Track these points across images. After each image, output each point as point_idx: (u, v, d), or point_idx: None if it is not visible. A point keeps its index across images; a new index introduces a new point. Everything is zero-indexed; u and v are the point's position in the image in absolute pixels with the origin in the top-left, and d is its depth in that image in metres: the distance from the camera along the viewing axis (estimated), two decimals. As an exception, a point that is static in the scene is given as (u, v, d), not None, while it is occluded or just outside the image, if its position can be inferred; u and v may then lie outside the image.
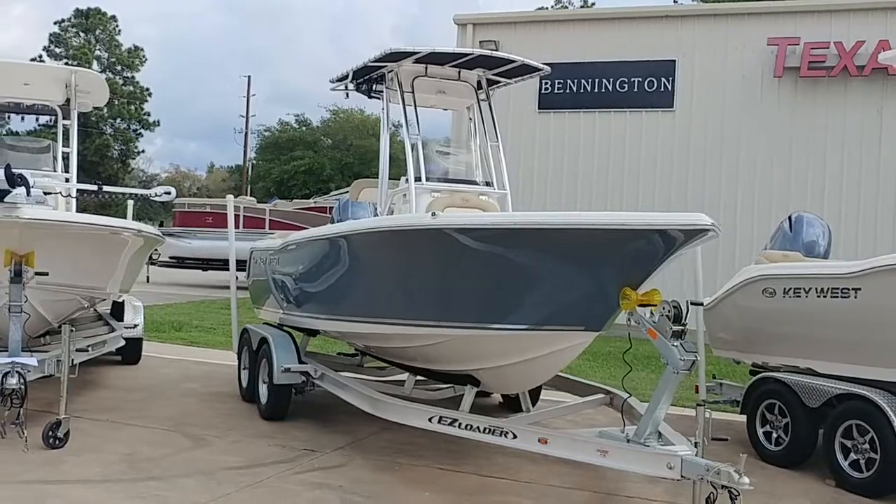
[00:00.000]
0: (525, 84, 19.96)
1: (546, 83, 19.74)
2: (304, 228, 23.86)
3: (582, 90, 19.65)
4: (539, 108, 19.99)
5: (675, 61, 19.06)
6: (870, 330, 7.12)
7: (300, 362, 8.58)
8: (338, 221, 10.50)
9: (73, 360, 7.38)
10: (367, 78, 8.93)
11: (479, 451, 7.58)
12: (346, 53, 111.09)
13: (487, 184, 8.59)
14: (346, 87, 9.47)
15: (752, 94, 18.68)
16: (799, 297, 7.72)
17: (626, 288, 5.74)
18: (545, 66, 8.66)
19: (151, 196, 9.08)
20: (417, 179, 8.09)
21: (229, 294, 11.16)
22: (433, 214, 6.23)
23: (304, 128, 60.81)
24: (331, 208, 25.13)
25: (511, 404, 9.06)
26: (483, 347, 6.69)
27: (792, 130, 18.33)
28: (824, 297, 7.46)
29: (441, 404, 7.82)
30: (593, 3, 54.41)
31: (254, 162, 61.54)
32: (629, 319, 5.87)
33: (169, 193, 9.12)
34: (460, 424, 6.48)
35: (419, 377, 8.42)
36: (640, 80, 19.25)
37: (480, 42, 20.08)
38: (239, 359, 9.92)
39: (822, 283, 7.50)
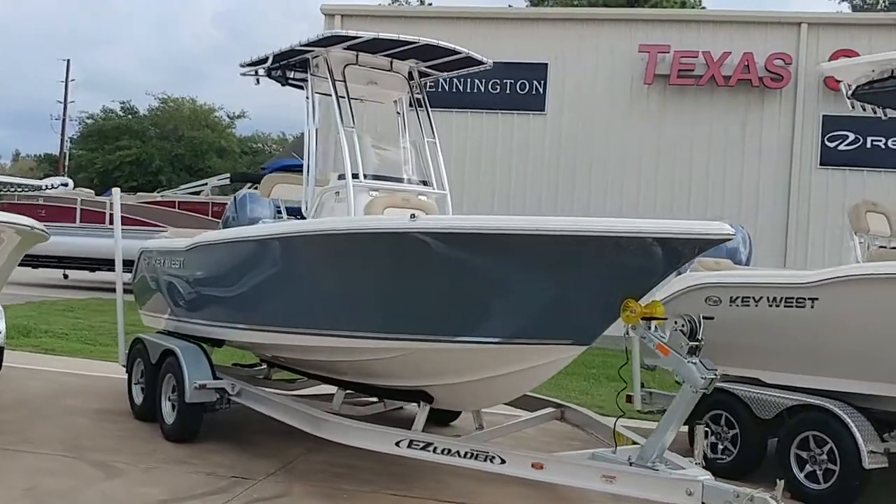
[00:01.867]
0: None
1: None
2: (150, 224, 22.36)
3: (454, 89, 19.27)
4: (408, 107, 19.43)
5: (546, 64, 19.04)
6: (827, 340, 7.06)
7: (215, 377, 7.68)
8: (233, 219, 9.64)
9: None
10: (287, 63, 8.14)
11: (425, 472, 6.99)
12: (171, 41, 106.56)
13: (424, 183, 7.99)
14: (257, 73, 8.66)
15: (622, 100, 18.92)
16: (748, 306, 7.59)
17: (628, 300, 5.32)
18: (488, 60, 8.15)
19: (45, 187, 7.82)
20: (355, 176, 7.39)
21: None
22: (412, 216, 5.60)
23: (130, 116, 57.49)
24: (181, 202, 23.68)
25: (437, 418, 8.46)
26: (447, 362, 6.12)
27: (660, 137, 18.70)
28: (777, 306, 7.36)
29: (371, 420, 7.21)
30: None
31: (70, 151, 57.61)
32: (627, 332, 5.47)
33: (66, 185, 7.90)
34: (436, 449, 5.85)
35: (348, 391, 7.71)
36: (512, 82, 19.10)
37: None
38: (129, 372, 8.83)
39: (774, 292, 7.39)
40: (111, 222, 23.58)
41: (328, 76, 7.72)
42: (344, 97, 7.69)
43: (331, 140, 8.24)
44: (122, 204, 23.73)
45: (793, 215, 18.21)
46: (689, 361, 5.22)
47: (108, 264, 24.22)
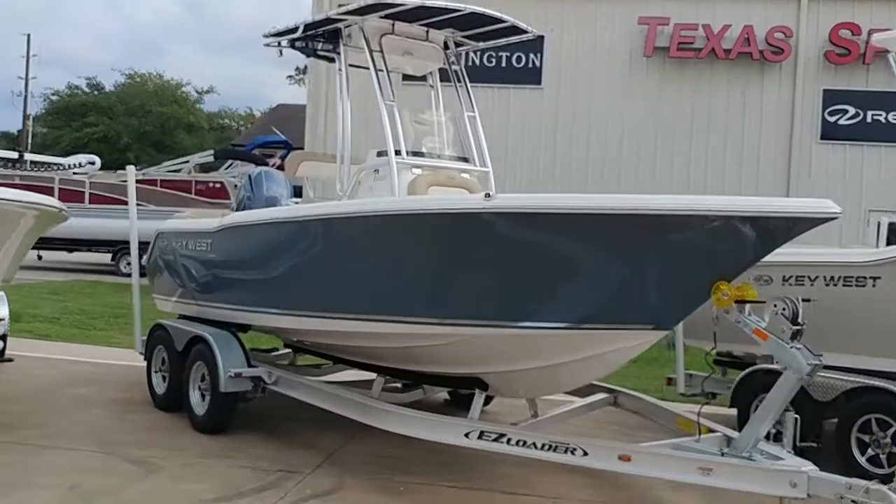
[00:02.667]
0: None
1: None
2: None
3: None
4: (403, 81, 18.97)
5: (543, 37, 18.63)
6: (890, 320, 6.83)
7: (249, 365, 7.29)
8: (248, 199, 9.25)
9: None
10: (317, 34, 7.70)
11: (475, 461, 6.69)
12: (128, 16, 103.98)
13: (465, 159, 7.61)
14: (280, 45, 8.22)
15: (621, 73, 18.63)
16: (802, 285, 7.34)
17: (720, 282, 5.02)
18: (532, 30, 7.77)
19: (69, 167, 7.30)
20: (397, 153, 6.99)
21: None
22: (487, 196, 5.23)
23: (96, 92, 56.15)
24: (163, 181, 23.04)
25: (465, 402, 8.11)
26: (508, 348, 5.78)
27: (659, 110, 18.44)
28: (835, 285, 7.12)
29: (413, 407, 6.89)
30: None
31: (32, 128, 56.10)
32: (715, 317, 5.17)
33: (93, 164, 7.39)
34: (509, 440, 5.52)
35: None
36: (508, 55, 18.71)
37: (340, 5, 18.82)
38: (149, 361, 8.40)
39: (832, 271, 7.15)
40: (91, 201, 23.08)
41: (365, 47, 7.29)
42: (382, 69, 7.27)
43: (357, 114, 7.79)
44: (101, 182, 22.99)
45: (793, 190, 18.04)
46: (792, 347, 4.93)
47: (86, 245, 23.61)
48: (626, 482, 6.39)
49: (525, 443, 5.46)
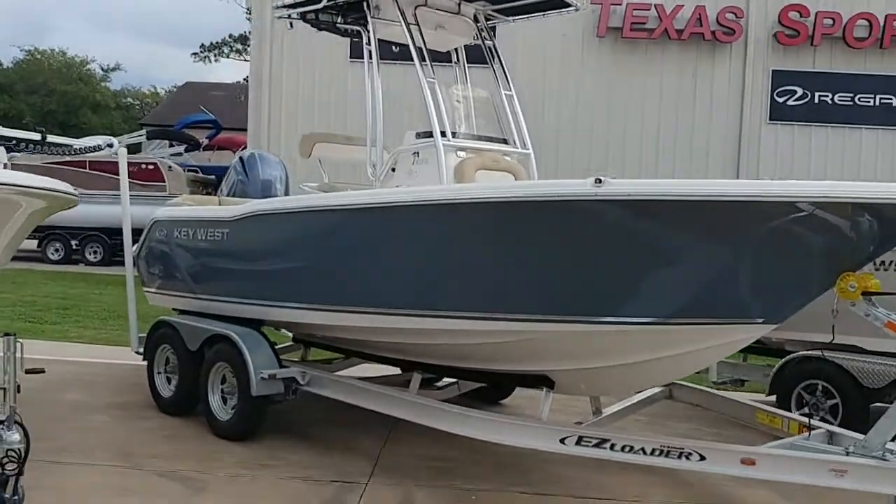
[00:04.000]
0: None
1: (359, 30, 18.16)
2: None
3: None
4: (350, 58, 18.36)
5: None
6: None
7: (280, 365, 6.72)
8: (241, 183, 8.65)
9: None
10: (340, 5, 7.14)
11: (528, 461, 6.34)
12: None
13: (504, 141, 7.17)
14: (291, 17, 7.62)
15: (574, 54, 18.41)
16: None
17: (846, 273, 4.74)
18: (577, 2, 7.36)
19: (88, 149, 6.51)
20: (443, 135, 6.50)
21: None
22: (598, 181, 4.80)
23: (-10, 69, 53.15)
24: (91, 163, 21.73)
25: (482, 396, 7.74)
26: (587, 345, 5.41)
27: (612, 91, 18.30)
28: (885, 270, 6.97)
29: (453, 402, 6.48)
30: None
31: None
32: (835, 309, 4.90)
33: (111, 146, 6.65)
34: (613, 446, 5.12)
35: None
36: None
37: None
38: (151, 361, 7.70)
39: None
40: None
41: (399, 19, 6.78)
42: (421, 44, 6.78)
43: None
44: (24, 165, 21.57)
45: (743, 170, 18.20)
46: (929, 340, 4.70)
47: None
48: (691, 478, 6.13)
49: (632, 448, 5.08)
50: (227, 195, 8.69)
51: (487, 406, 7.66)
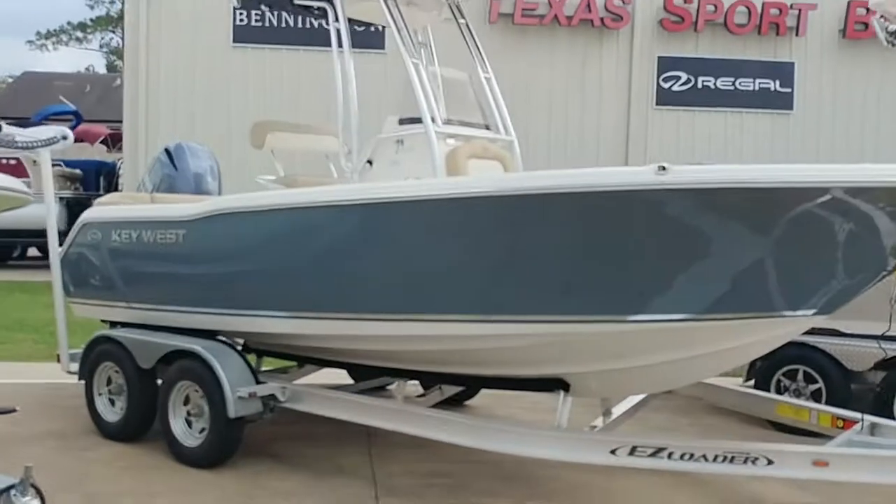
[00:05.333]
0: (216, 14, 17.34)
1: (241, 14, 17.21)
2: None
3: (283, 24, 17.43)
4: (234, 42, 17.38)
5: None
6: None
7: (257, 381, 6.02)
8: (169, 177, 7.86)
9: None
10: None
11: (531, 470, 5.94)
12: None
13: (487, 127, 6.69)
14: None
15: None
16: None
17: (906, 259, 4.56)
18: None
19: (41, 142, 5.47)
20: (433, 121, 5.95)
21: None
22: (662, 168, 4.40)
23: None
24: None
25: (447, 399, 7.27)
26: (619, 345, 5.05)
27: (503, 78, 17.93)
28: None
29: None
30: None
31: None
32: (894, 298, 4.72)
33: (65, 138, 5.61)
34: (671, 455, 4.74)
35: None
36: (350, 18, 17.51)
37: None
38: (88, 382, 6.79)
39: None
40: None
41: (375, -4, 6.18)
42: (402, 23, 6.21)
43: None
44: None
45: (631, 155, 18.39)
46: None
47: None
48: (709, 478, 5.87)
49: (692, 456, 4.72)
50: (154, 191, 7.83)
51: (452, 408, 7.21)
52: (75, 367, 6.99)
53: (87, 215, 7.07)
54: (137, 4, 16.96)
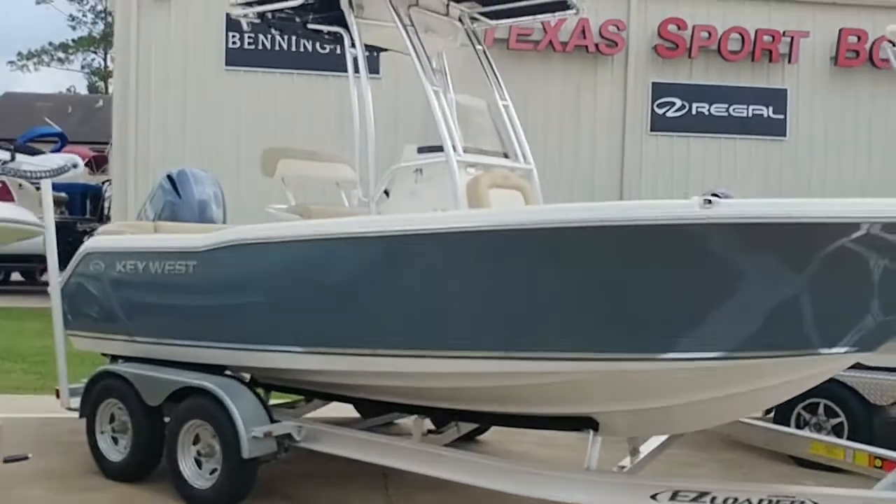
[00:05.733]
0: (208, 36, 17.16)
1: (234, 37, 17.02)
2: None
3: (277, 47, 17.26)
4: (227, 65, 17.17)
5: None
6: None
7: (272, 420, 5.79)
8: (172, 204, 7.66)
9: None
10: (314, 4, 6.29)
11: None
12: None
13: (506, 155, 6.53)
14: (248, 17, 6.71)
15: (459, 65, 17.90)
16: None
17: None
18: (577, 4, 6.78)
19: (53, 172, 5.22)
20: (454, 149, 5.77)
21: None
22: (707, 202, 4.24)
23: None
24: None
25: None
26: (661, 383, 4.87)
27: (498, 103, 17.94)
28: None
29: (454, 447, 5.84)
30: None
31: None
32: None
33: (76, 167, 5.39)
34: (714, 499, 4.54)
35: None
36: (344, 41, 17.39)
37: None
38: (91, 419, 6.53)
39: None
40: None
41: (390, 21, 6.01)
42: (421, 50, 6.04)
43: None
44: None
45: (626, 181, 18.33)
46: None
47: None
48: None
49: (736, 501, 4.52)
50: (156, 219, 7.61)
51: (465, 444, 7.00)
52: (76, 402, 6.73)
53: (89, 245, 6.82)
54: (128, 26, 16.72)
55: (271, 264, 5.77)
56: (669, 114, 18.48)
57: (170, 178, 7.80)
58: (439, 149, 5.80)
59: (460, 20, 6.79)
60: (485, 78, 6.95)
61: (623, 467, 5.59)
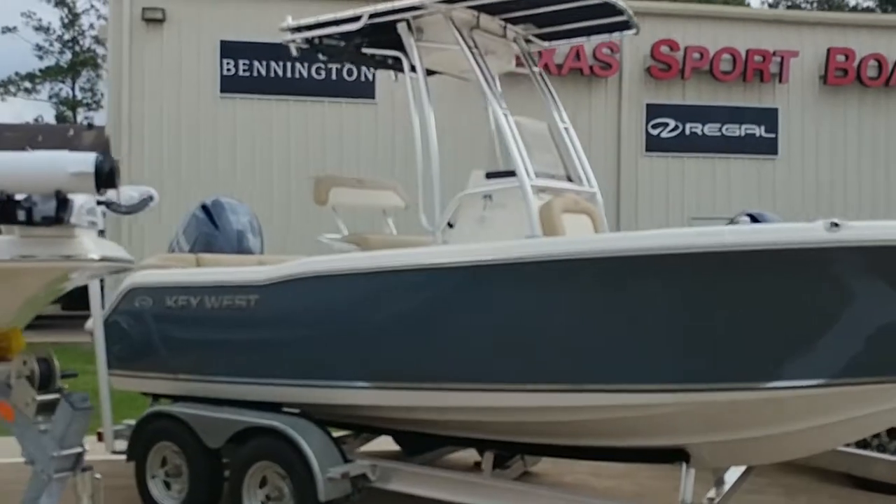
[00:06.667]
0: (202, 63, 16.90)
1: (228, 63, 16.76)
2: None
3: (272, 74, 17.02)
4: (222, 92, 16.89)
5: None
6: None
7: (346, 460, 5.54)
8: (208, 235, 7.42)
9: None
10: (372, 28, 6.11)
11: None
12: None
13: (570, 179, 6.37)
14: (297, 41, 6.50)
15: (456, 89, 17.78)
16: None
17: None
18: (636, 21, 6.63)
19: (133, 208, 4.91)
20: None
21: None
22: (834, 225, 4.09)
23: None
24: None
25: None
26: (759, 412, 4.72)
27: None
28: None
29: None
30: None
31: None
32: None
33: (152, 199, 5.09)
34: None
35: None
36: (339, 67, 17.21)
37: (143, 9, 16.43)
38: (142, 464, 6.21)
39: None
40: None
41: (461, 43, 5.83)
42: (487, 73, 5.87)
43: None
44: None
45: (623, 202, 18.30)
46: None
47: None
48: None
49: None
50: (191, 250, 7.34)
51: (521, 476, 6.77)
52: (122, 445, 6.42)
53: (134, 280, 6.53)
54: (120, 54, 16.42)
55: (340, 297, 5.53)
56: (664, 134, 18.51)
57: (204, 208, 7.54)
58: (510, 174, 5.63)
59: (515, 42, 6.61)
60: (543, 101, 6.71)
61: (712, 499, 5.42)
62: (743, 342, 4.54)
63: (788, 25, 19.01)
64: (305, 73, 17.05)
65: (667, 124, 18.50)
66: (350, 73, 17.27)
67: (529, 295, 4.88)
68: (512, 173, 5.61)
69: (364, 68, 17.11)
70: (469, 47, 5.84)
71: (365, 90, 17.30)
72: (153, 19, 16.40)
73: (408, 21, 5.97)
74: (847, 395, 4.51)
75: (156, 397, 6.80)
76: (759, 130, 18.81)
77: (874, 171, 19.23)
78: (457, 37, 5.82)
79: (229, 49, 16.32)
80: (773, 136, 18.91)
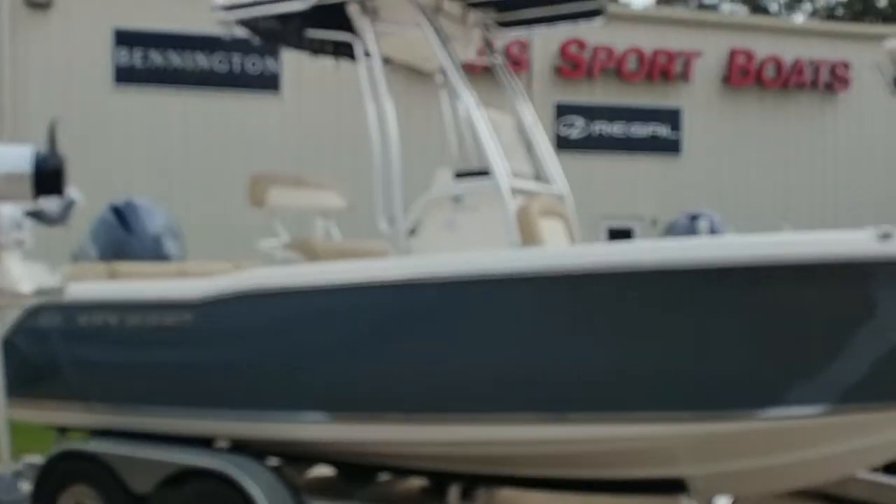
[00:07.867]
0: (94, 52, 15.68)
1: (123, 52, 15.55)
2: None
3: (171, 64, 15.90)
4: (117, 81, 15.65)
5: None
6: None
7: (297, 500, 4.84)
8: (116, 240, 6.65)
9: None
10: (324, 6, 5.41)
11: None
12: None
13: (538, 178, 5.81)
14: (231, 26, 5.74)
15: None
16: None
17: None
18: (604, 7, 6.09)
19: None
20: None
21: None
22: (886, 236, 3.65)
23: None
24: None
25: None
26: (763, 439, 4.32)
27: (409, 125, 17.17)
28: None
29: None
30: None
31: None
32: None
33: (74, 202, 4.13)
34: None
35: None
36: (242, 56, 16.26)
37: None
38: (45, 510, 5.33)
39: None
40: None
41: (424, 25, 5.23)
42: (457, 59, 5.28)
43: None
44: None
45: (533, 203, 17.92)
46: None
47: None
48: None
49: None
50: (101, 258, 6.47)
51: None
52: (25, 488, 5.50)
53: (39, 301, 5.60)
54: (1, 42, 15.01)
55: (290, 317, 4.82)
56: (573, 134, 18.27)
57: (115, 210, 6.70)
58: (483, 173, 5.03)
59: (476, 28, 6.02)
60: (508, 94, 6.15)
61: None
62: (753, 365, 4.11)
63: (693, 26, 19.13)
64: (208, 65, 16.05)
65: (575, 124, 18.27)
66: (254, 64, 16.34)
67: (523, 312, 4.31)
68: (485, 173, 5.01)
69: (272, 58, 16.29)
70: (436, 30, 5.21)
71: (269, 82, 16.41)
72: (37, 4, 15.07)
73: (361, 1, 5.29)
74: (857, 423, 4.15)
75: (62, 431, 5.91)
76: (663, 130, 18.81)
77: (774, 171, 19.49)
78: (420, 19, 5.17)
79: (124, 36, 15.14)
80: (676, 135, 18.93)
